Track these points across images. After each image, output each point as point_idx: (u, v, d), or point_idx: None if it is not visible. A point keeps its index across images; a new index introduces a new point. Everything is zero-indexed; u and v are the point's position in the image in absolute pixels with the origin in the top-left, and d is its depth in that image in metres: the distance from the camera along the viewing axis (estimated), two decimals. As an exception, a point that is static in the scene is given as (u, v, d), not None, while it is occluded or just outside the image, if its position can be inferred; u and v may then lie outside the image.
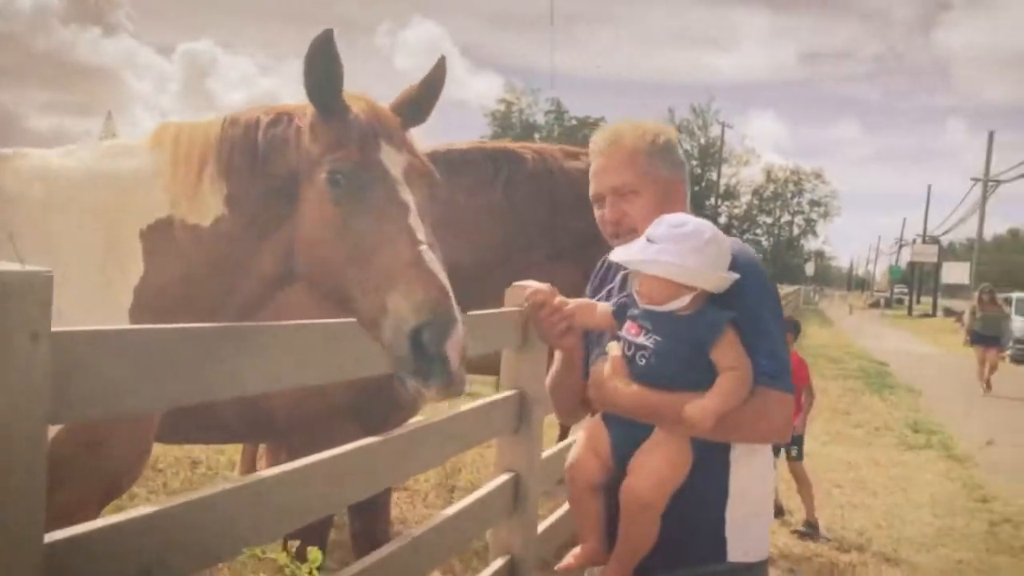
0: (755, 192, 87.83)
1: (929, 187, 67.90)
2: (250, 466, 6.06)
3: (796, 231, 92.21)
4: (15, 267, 1.39)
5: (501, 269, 3.64)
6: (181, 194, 2.50)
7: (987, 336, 17.46)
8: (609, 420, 2.24)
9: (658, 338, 2.14)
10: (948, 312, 50.10)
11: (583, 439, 2.29)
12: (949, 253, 61.20)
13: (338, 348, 2.50)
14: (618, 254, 2.30)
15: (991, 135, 49.73)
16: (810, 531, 6.70)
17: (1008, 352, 24.95)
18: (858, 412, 12.99)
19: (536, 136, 75.98)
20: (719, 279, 2.15)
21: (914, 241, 64.10)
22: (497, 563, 4.01)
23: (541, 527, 4.50)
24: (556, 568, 2.36)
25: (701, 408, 2.02)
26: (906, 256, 67.17)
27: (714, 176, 71.77)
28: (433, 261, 2.20)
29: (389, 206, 2.28)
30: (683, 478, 2.11)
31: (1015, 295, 27.24)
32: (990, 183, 47.82)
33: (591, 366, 2.33)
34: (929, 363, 22.90)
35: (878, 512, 7.44)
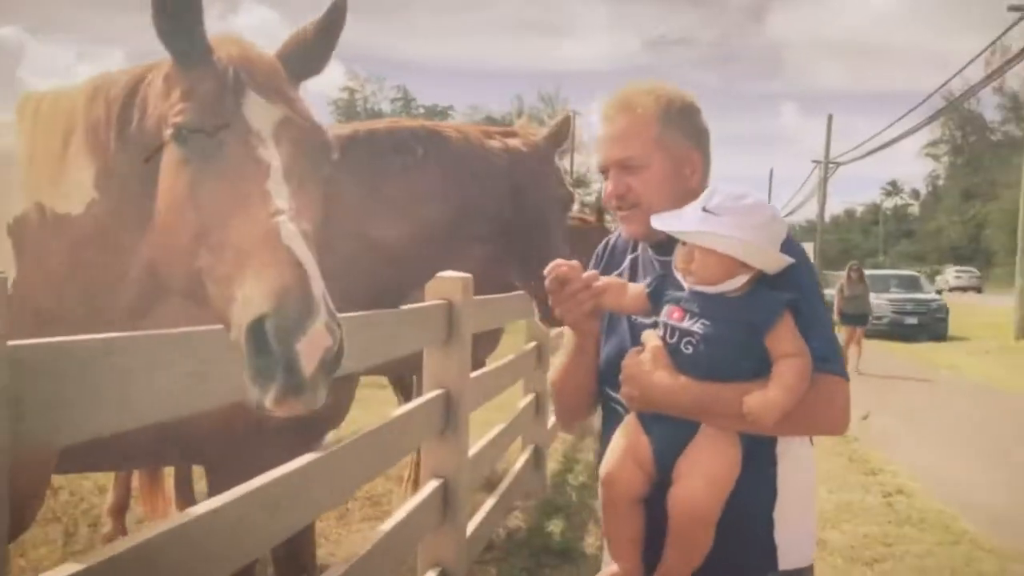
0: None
1: (771, 171, 71.20)
2: (124, 492, 5.53)
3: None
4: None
5: (437, 253, 3.44)
6: (44, 178, 2.10)
7: (856, 315, 17.50)
8: (648, 420, 1.99)
9: (707, 322, 1.92)
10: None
11: (619, 445, 2.02)
12: (793, 234, 64.08)
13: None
14: (666, 222, 2.01)
15: (830, 118, 52.23)
16: None
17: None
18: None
19: (382, 126, 75.51)
20: (779, 260, 1.96)
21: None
22: (429, 576, 3.84)
23: (469, 530, 4.36)
24: None
25: (765, 401, 1.83)
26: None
27: (566, 164, 72.97)
28: (293, 235, 1.76)
29: (244, 166, 1.86)
30: (735, 480, 1.91)
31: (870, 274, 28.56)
32: (830, 165, 50.20)
33: (625, 359, 2.05)
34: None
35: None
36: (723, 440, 1.91)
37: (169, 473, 5.38)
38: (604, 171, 2.23)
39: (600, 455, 2.16)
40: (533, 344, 6.79)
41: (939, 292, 30.49)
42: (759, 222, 1.94)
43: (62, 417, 1.48)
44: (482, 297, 4.37)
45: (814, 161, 53.23)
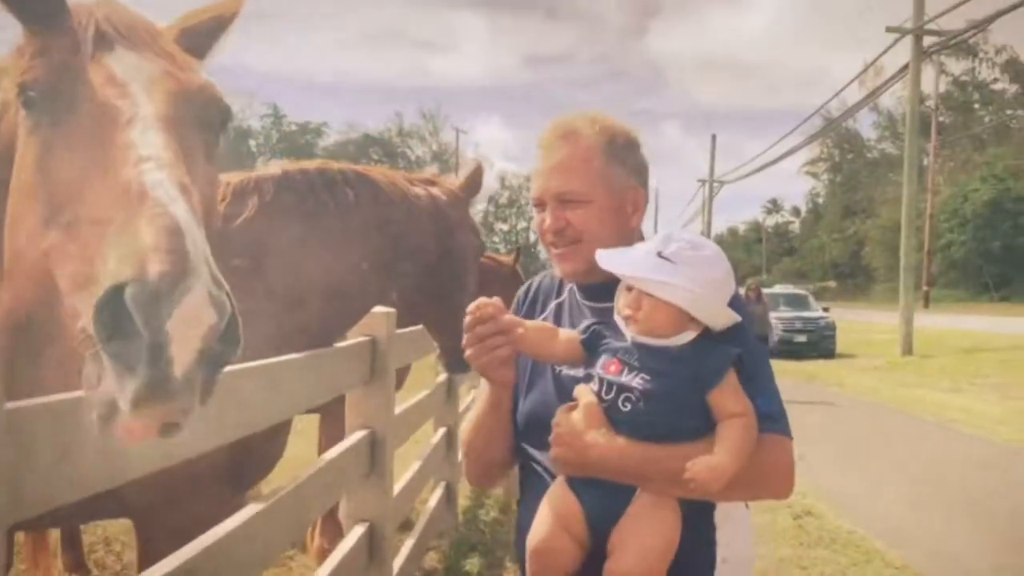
0: (490, 199, 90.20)
1: (656, 189, 72.88)
2: (5, 550, 5.23)
3: (532, 237, 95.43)
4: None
5: (366, 292, 3.52)
6: None
7: (756, 336, 17.61)
8: (579, 485, 1.83)
9: (647, 377, 1.79)
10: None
11: (548, 513, 1.84)
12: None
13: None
14: (615, 264, 1.88)
15: (714, 138, 53.99)
16: None
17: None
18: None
19: (251, 143, 74.10)
20: (729, 317, 1.87)
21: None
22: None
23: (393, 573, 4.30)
24: None
25: (711, 466, 1.70)
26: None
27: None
28: (162, 184, 1.44)
29: (102, 120, 1.58)
30: (675, 551, 1.77)
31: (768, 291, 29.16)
32: (715, 183, 51.69)
33: (556, 417, 1.88)
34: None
35: (690, 517, 7.71)
36: (662, 507, 1.78)
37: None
38: (540, 204, 2.09)
39: (520, 522, 2.04)
40: (444, 377, 6.77)
41: None
42: (716, 277, 1.86)
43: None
44: (404, 330, 4.35)
45: (699, 180, 54.72)
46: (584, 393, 1.86)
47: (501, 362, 1.95)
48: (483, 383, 2.11)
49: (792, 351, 24.97)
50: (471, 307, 1.93)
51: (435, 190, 3.76)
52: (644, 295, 1.83)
